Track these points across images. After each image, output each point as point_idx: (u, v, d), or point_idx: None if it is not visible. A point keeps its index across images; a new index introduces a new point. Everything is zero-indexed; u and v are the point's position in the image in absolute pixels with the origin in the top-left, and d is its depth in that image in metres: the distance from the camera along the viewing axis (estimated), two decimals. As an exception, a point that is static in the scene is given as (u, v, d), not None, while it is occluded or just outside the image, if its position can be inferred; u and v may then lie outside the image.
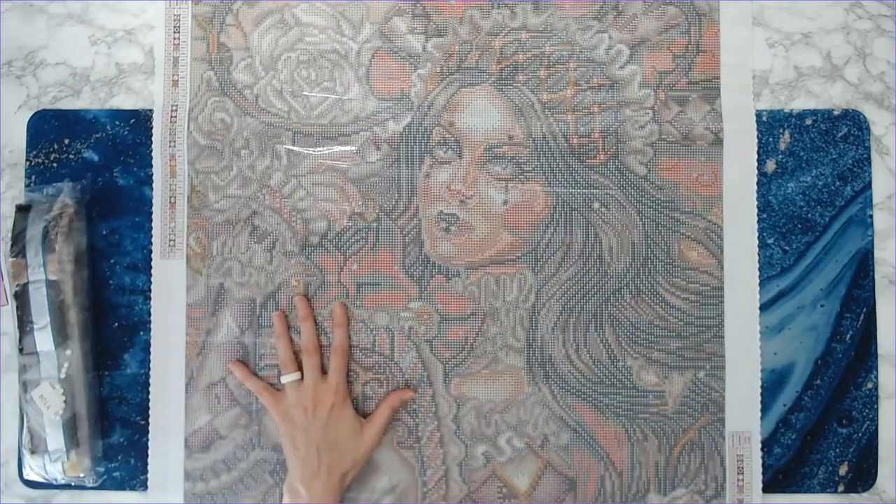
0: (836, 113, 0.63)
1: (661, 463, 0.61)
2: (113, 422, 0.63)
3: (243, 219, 0.63)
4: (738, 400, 0.61)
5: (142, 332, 0.63)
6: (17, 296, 0.59)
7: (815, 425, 0.62)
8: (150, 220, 0.63)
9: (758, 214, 0.62)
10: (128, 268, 0.63)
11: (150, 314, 0.62)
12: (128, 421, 0.63)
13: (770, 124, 0.63)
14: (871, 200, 0.62)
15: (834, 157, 0.63)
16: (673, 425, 0.61)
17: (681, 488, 0.61)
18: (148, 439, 0.62)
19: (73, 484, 0.61)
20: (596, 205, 0.62)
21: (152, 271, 0.63)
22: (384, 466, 0.62)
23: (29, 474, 0.60)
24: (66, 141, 0.64)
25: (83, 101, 0.64)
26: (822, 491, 0.61)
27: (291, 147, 0.63)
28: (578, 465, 0.61)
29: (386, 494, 0.61)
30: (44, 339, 0.59)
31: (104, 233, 0.63)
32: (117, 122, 0.64)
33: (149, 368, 0.62)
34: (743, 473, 0.61)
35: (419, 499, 0.61)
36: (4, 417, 0.63)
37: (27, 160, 0.64)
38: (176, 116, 0.63)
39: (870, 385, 0.62)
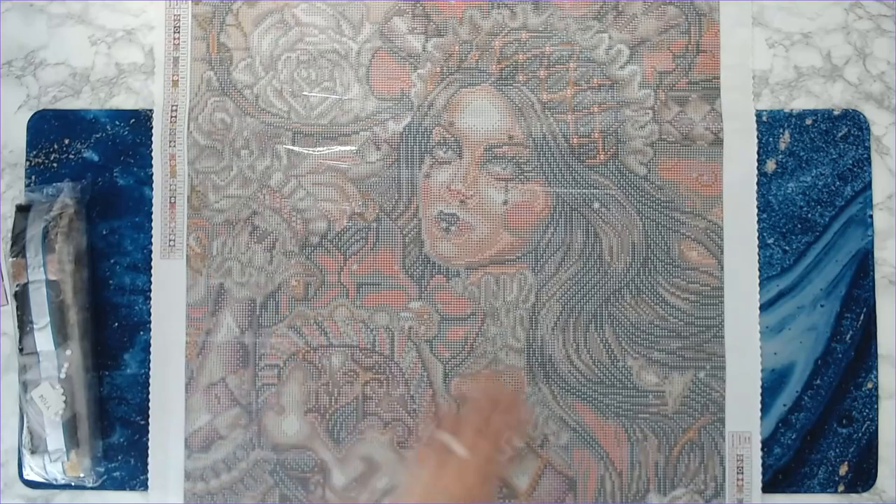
0: (836, 113, 0.63)
1: (660, 463, 0.61)
2: (113, 422, 0.63)
3: (243, 219, 0.63)
4: (738, 400, 0.61)
5: (142, 332, 0.63)
6: (17, 296, 0.59)
7: (815, 425, 0.62)
8: (150, 220, 0.63)
9: (758, 214, 0.62)
10: (128, 268, 0.63)
11: (150, 314, 0.62)
12: (128, 421, 0.63)
13: (770, 124, 0.63)
14: (871, 200, 0.62)
15: (834, 157, 0.63)
16: (673, 425, 0.61)
17: (680, 488, 0.61)
18: (148, 439, 0.62)
19: (73, 484, 0.61)
20: (596, 205, 0.62)
21: (152, 271, 0.63)
22: (384, 467, 0.62)
23: (29, 474, 0.60)
24: (66, 141, 0.64)
25: (83, 101, 0.64)
26: (822, 491, 0.61)
27: (291, 147, 0.63)
28: (578, 464, 0.61)
29: (386, 495, 0.61)
30: (44, 339, 0.59)
31: (104, 233, 0.63)
32: (117, 122, 0.64)
33: (149, 368, 0.62)
34: (743, 473, 0.61)
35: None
36: (4, 417, 0.63)
37: (27, 160, 0.64)
38: (176, 116, 0.63)
39: (870, 385, 0.62)
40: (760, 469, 0.61)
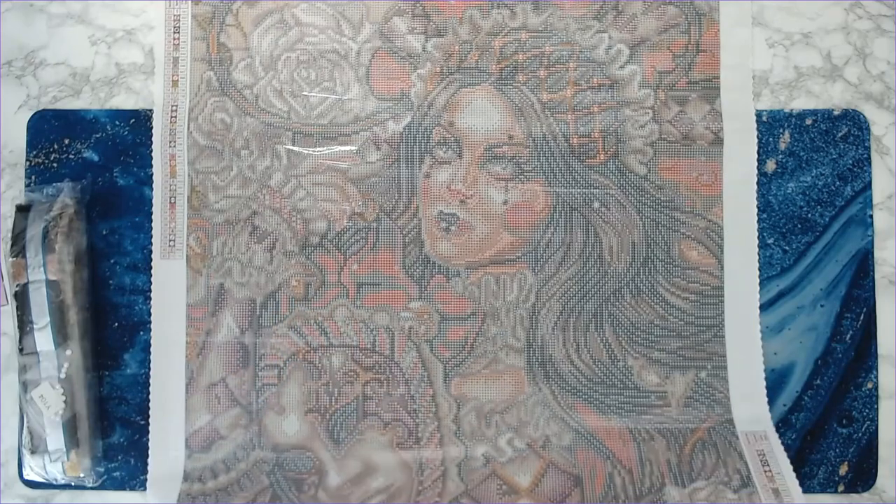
0: (836, 113, 0.63)
1: (672, 460, 0.60)
2: (113, 422, 0.63)
3: (243, 219, 0.63)
4: (743, 400, 0.61)
5: (142, 332, 0.63)
6: (17, 296, 0.59)
7: (815, 425, 0.62)
8: (150, 220, 0.63)
9: (758, 214, 0.62)
10: (128, 268, 0.63)
11: (150, 314, 0.62)
12: (128, 421, 0.63)
13: (770, 124, 0.63)
14: (871, 200, 0.62)
15: (834, 157, 0.63)
16: (679, 426, 0.61)
17: (701, 480, 0.60)
18: (148, 439, 0.62)
19: (73, 484, 0.61)
20: (596, 204, 0.62)
21: (152, 271, 0.63)
22: (382, 468, 0.61)
23: (29, 474, 0.60)
24: (66, 141, 0.64)
25: (83, 101, 0.64)
26: (822, 491, 0.61)
27: (291, 147, 0.63)
28: (583, 463, 0.61)
29: (379, 493, 0.61)
30: (44, 339, 0.59)
31: (104, 233, 0.63)
32: (117, 122, 0.64)
33: (149, 368, 0.62)
34: (769, 465, 0.59)
35: (413, 498, 0.61)
36: (4, 417, 0.63)
37: (27, 160, 0.64)
38: (176, 116, 0.63)
39: (870, 385, 0.62)
40: (787, 459, 0.59)
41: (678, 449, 0.61)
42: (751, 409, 0.61)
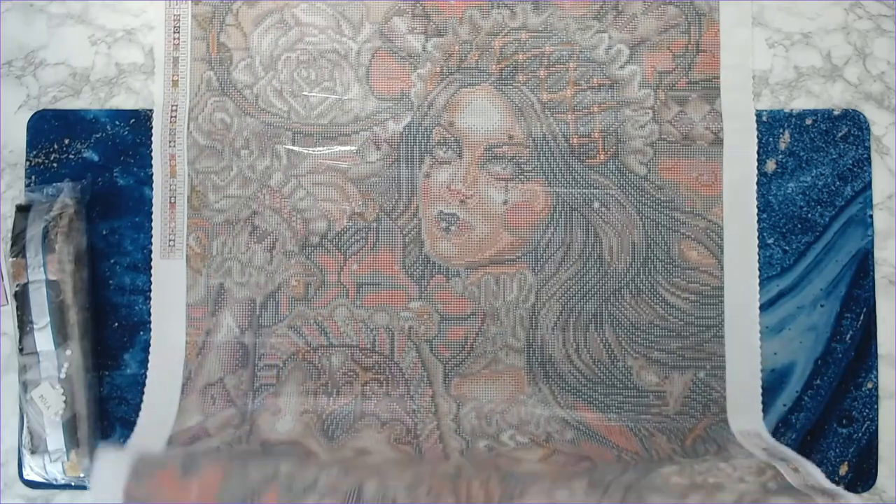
0: (836, 113, 0.63)
1: (676, 449, 0.60)
2: (113, 422, 0.63)
3: (243, 219, 0.63)
4: (738, 400, 0.61)
5: (142, 332, 0.63)
6: (17, 296, 0.59)
7: (815, 425, 0.62)
8: (150, 220, 0.63)
9: (758, 214, 0.62)
10: (128, 268, 0.63)
11: (150, 314, 0.62)
12: (128, 421, 0.62)
13: (770, 124, 0.63)
14: (871, 200, 0.62)
15: (834, 157, 0.63)
16: (677, 425, 0.61)
17: (709, 455, 0.59)
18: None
19: (73, 484, 0.61)
20: (596, 204, 0.62)
21: (152, 271, 0.63)
22: (376, 453, 0.60)
23: (29, 474, 0.60)
24: (66, 141, 0.64)
25: (83, 101, 0.64)
26: (822, 491, 0.61)
27: (291, 147, 0.63)
28: (589, 450, 0.60)
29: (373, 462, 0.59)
30: (44, 339, 0.59)
31: (104, 233, 0.63)
32: (117, 122, 0.64)
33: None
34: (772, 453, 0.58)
35: (412, 467, 0.58)
36: (4, 417, 0.63)
37: (27, 160, 0.64)
38: (176, 116, 0.63)
39: (870, 385, 0.62)
40: (787, 447, 0.58)
41: (679, 442, 0.61)
42: (745, 410, 0.61)
